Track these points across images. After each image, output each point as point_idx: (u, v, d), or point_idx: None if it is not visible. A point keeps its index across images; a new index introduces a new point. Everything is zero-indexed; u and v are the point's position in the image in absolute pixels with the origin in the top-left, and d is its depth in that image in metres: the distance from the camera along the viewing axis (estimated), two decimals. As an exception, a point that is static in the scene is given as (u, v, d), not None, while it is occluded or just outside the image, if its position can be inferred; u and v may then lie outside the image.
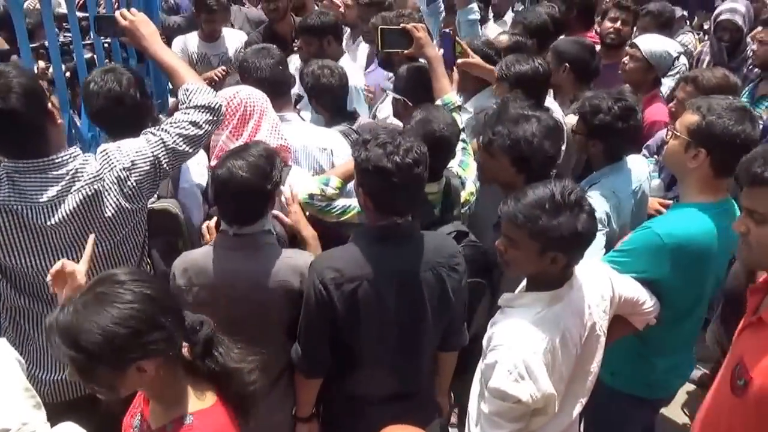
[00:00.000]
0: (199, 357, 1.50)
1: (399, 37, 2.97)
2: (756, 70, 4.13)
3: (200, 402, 1.49)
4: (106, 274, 1.45)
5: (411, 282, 2.03)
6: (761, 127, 3.02)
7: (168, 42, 5.27)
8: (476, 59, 3.12)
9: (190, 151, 2.16)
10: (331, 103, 3.10)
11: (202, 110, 2.17)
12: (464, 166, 2.78)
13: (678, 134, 2.16)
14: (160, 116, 2.46)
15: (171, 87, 4.94)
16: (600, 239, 2.46)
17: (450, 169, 2.63)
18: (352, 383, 2.16)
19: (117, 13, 2.38)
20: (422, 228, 2.24)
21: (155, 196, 2.27)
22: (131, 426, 1.61)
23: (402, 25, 2.98)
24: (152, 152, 2.07)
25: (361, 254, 2.01)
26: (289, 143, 2.62)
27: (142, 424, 1.57)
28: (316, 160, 2.81)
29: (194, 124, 2.14)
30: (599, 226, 2.46)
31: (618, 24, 4.22)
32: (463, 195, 2.65)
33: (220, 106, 2.23)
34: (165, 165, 2.09)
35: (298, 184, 2.48)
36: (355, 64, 4.19)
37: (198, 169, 2.51)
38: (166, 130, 2.11)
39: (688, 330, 2.35)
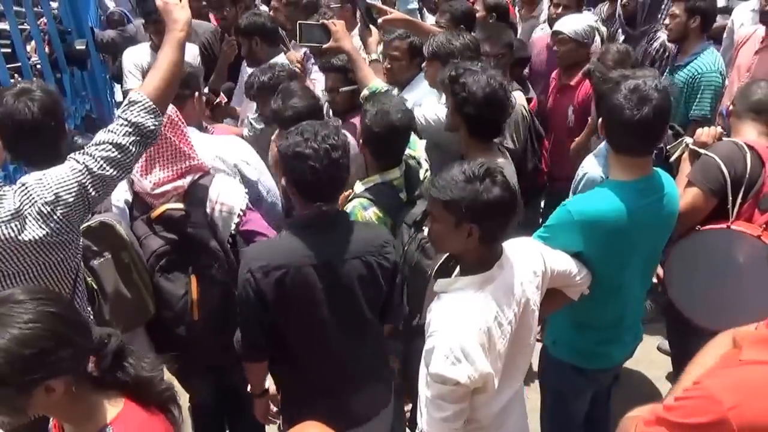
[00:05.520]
0: (108, 370, 1.47)
1: (317, 31, 3.04)
2: (655, 45, 4.35)
3: (114, 409, 1.47)
4: (3, 295, 1.40)
5: (338, 269, 2.11)
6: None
7: (113, 57, 5.23)
8: (396, 13, 3.21)
9: (118, 175, 2.02)
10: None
11: (132, 130, 2.00)
12: (413, 147, 2.85)
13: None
14: (75, 139, 2.31)
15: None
16: None
17: None
18: (297, 372, 2.24)
19: None
20: (392, 213, 2.49)
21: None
22: None
23: (321, 20, 3.06)
24: (77, 181, 1.95)
25: (289, 243, 2.12)
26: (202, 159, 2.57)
27: None
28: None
29: (120, 147, 1.98)
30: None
31: (560, 9, 4.38)
32: (421, 173, 2.75)
33: (154, 131, 2.06)
34: (93, 192, 1.98)
35: (226, 193, 2.51)
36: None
37: (121, 184, 2.39)
38: (90, 155, 1.98)
39: (620, 305, 2.34)
